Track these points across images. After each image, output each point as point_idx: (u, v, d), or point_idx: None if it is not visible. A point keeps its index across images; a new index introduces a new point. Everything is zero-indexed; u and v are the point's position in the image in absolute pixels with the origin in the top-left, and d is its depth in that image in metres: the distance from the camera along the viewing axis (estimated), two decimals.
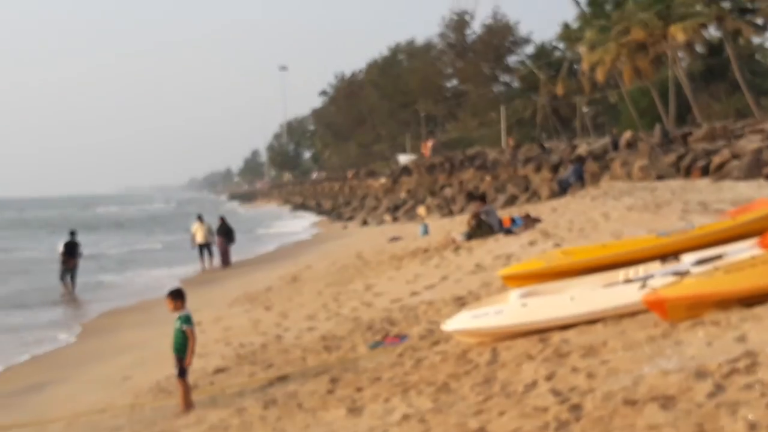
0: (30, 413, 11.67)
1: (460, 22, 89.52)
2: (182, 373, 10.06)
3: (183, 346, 10.05)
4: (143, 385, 11.59)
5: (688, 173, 28.51)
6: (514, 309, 9.41)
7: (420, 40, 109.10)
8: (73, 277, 27.73)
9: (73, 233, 28.92)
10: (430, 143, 72.97)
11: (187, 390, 10.11)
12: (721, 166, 26.68)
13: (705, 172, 27.61)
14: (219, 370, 12.03)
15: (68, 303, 26.05)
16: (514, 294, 10.12)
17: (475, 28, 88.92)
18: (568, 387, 6.88)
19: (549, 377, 7.34)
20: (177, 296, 10.26)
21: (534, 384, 7.28)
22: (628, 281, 9.42)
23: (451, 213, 39.98)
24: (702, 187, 24.21)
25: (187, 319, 10.12)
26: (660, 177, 29.33)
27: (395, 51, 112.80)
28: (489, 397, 7.26)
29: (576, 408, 6.27)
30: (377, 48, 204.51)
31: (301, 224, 63.49)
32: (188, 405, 9.99)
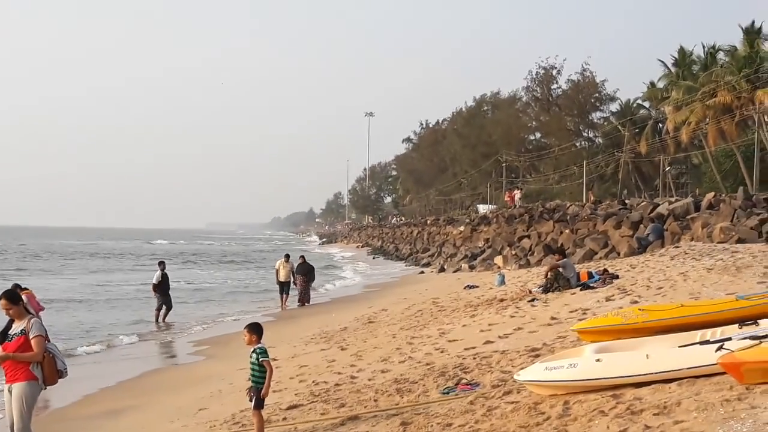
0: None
1: (546, 76, 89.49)
2: (259, 404, 10.27)
3: (261, 378, 10.23)
4: (219, 417, 11.82)
5: None
6: (589, 363, 9.42)
7: (505, 92, 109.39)
8: (167, 307, 28.57)
9: (162, 264, 29.85)
10: (516, 193, 72.61)
11: (261, 422, 10.30)
12: None
13: None
14: (292, 407, 12.19)
15: (156, 333, 26.72)
16: (588, 348, 10.14)
17: (561, 82, 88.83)
18: None
19: None
20: (254, 330, 10.47)
21: None
22: (704, 342, 9.39)
23: (528, 264, 39.83)
24: None
25: (264, 352, 10.30)
26: (741, 240, 28.87)
27: (480, 102, 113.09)
28: None
29: None
30: (462, 98, 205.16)
31: (379, 267, 63.93)
32: None
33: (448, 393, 11.13)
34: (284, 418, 11.51)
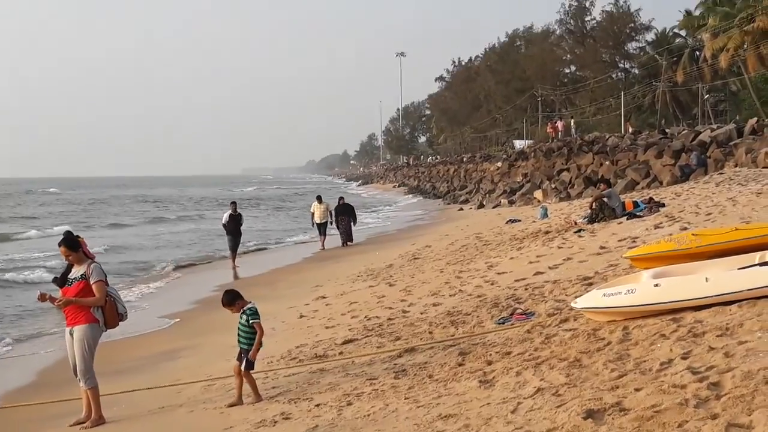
0: (165, 377, 12.12)
1: (579, 8, 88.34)
2: (249, 366, 9.91)
3: (250, 340, 9.93)
4: (275, 354, 11.90)
5: None
6: (647, 289, 9.35)
7: (538, 26, 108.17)
8: (235, 248, 28.75)
9: (234, 204, 29.92)
10: (559, 124, 71.71)
11: (253, 381, 9.96)
12: None
13: None
14: (348, 341, 12.25)
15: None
16: (646, 274, 10.06)
17: (595, 14, 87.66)
18: (705, 366, 6.84)
19: (685, 356, 7.30)
20: (235, 298, 10.13)
21: (669, 362, 7.25)
22: (765, 263, 9.29)
23: (568, 197, 39.63)
24: None
25: (254, 313, 10.00)
26: None
27: (513, 37, 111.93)
28: (623, 374, 7.25)
29: (715, 386, 6.25)
30: (495, 35, 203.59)
31: (417, 205, 64.02)
32: (258, 396, 9.88)
33: (503, 323, 11.13)
34: (341, 353, 11.57)
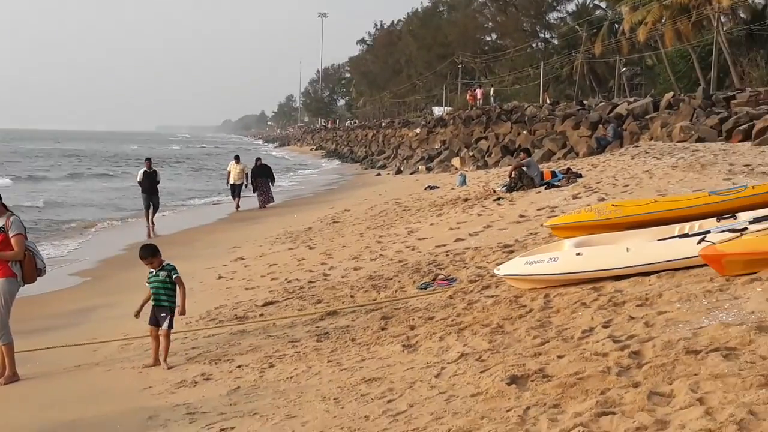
0: (81, 335, 11.90)
1: None
2: (171, 325, 9.77)
3: (171, 297, 9.74)
4: (194, 314, 11.75)
5: (729, 137, 28.25)
6: (569, 257, 9.48)
7: None
8: (149, 206, 26.91)
9: (149, 161, 28.36)
10: (478, 92, 71.89)
11: (169, 344, 9.75)
12: (763, 131, 26.34)
13: (747, 136, 27.33)
14: (268, 303, 12.18)
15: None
16: (568, 243, 10.20)
17: None
18: (626, 335, 6.95)
19: (606, 324, 7.42)
20: (154, 252, 9.92)
21: (591, 330, 7.36)
22: (684, 236, 9.48)
23: (486, 165, 39.90)
24: (744, 150, 24.04)
25: (174, 268, 9.81)
26: (701, 139, 29.06)
27: (436, 2, 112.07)
28: (546, 341, 7.34)
29: (636, 354, 6.34)
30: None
31: (335, 169, 63.90)
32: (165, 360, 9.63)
33: (425, 288, 11.18)
34: (261, 315, 11.50)
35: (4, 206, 9.70)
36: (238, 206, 32.10)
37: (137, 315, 10.00)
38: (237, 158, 33.19)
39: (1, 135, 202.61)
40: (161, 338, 9.69)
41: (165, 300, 9.75)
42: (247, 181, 32.42)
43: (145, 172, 27.15)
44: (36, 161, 78.61)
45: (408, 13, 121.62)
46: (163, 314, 9.71)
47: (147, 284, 9.91)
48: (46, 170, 64.36)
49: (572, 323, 7.81)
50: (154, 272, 9.81)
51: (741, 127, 28.15)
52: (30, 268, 9.68)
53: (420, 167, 47.09)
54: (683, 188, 16.06)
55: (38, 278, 9.99)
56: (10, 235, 9.48)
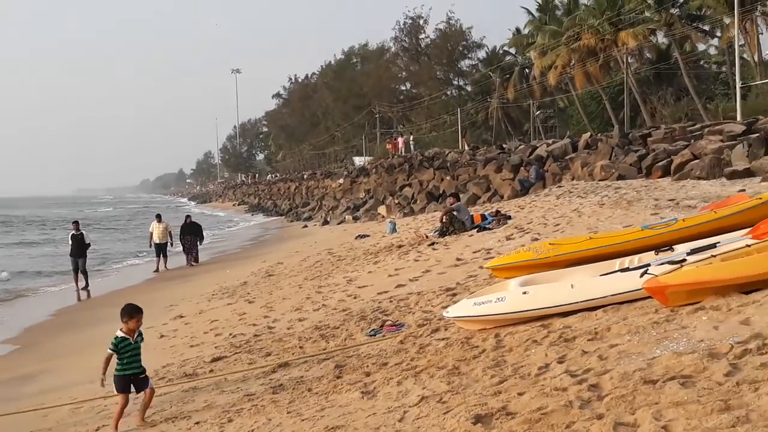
0: (27, 402, 11.70)
1: (414, 26, 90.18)
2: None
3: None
4: None
5: (649, 173, 29.00)
6: (516, 296, 9.66)
7: (374, 44, 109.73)
8: (78, 269, 27.05)
9: (76, 224, 28.38)
10: (400, 140, 72.59)
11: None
12: (681, 166, 27.14)
13: (666, 171, 28.08)
14: (216, 359, 12.08)
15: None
16: (513, 282, 10.39)
17: (429, 32, 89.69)
18: (581, 368, 7.06)
19: (560, 360, 7.53)
20: (138, 311, 9.85)
21: (547, 366, 7.45)
22: (625, 270, 9.75)
23: (412, 212, 40.34)
24: (665, 186, 24.70)
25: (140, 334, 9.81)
26: (621, 177, 29.82)
27: (349, 54, 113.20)
28: (504, 379, 7.41)
29: (596, 387, 6.44)
30: (331, 52, 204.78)
31: (260, 224, 63.69)
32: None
33: (375, 335, 11.24)
34: (211, 371, 11.42)
35: None
36: (166, 265, 31.49)
37: (103, 384, 9.66)
38: (159, 217, 32.44)
39: None
40: (148, 395, 9.57)
41: (140, 365, 9.61)
42: (172, 240, 31.86)
43: (72, 234, 27.00)
44: None
45: (322, 66, 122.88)
46: (143, 376, 9.57)
47: (115, 351, 9.55)
48: None
49: (527, 360, 7.91)
50: (131, 340, 9.57)
51: (660, 163, 28.94)
52: None
53: (347, 217, 47.35)
54: (613, 225, 16.44)
55: None
56: None
